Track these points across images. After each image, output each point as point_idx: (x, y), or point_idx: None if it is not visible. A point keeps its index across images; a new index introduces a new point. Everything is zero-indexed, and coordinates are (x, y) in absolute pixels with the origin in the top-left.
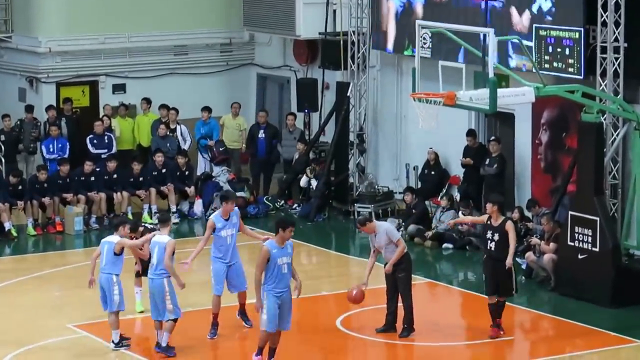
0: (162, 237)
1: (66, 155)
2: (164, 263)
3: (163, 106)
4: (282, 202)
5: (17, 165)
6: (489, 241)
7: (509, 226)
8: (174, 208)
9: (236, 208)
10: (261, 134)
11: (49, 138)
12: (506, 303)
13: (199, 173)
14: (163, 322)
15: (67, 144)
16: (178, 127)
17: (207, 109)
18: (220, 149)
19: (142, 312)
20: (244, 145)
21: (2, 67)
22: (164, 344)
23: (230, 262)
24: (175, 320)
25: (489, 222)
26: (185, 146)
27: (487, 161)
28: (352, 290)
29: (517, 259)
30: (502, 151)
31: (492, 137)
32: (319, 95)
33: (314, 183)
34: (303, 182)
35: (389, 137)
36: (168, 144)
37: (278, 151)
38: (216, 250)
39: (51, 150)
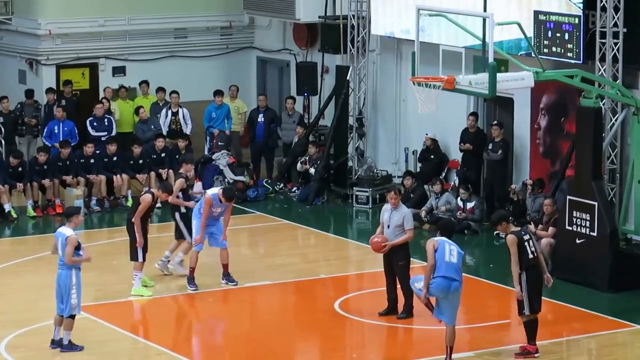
0: (64, 230)
1: (75, 139)
2: (66, 260)
3: (160, 89)
4: (282, 185)
5: (17, 147)
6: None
7: (508, 241)
8: None
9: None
10: (260, 118)
11: (54, 120)
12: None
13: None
14: (63, 319)
15: (75, 127)
16: (180, 110)
17: (219, 92)
18: (220, 143)
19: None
20: (242, 128)
21: (2, 49)
22: (65, 342)
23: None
24: (73, 317)
25: None
26: (187, 130)
27: (491, 146)
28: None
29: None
30: (504, 135)
31: (495, 122)
32: (318, 79)
33: (312, 171)
34: (299, 167)
35: (388, 121)
36: (152, 126)
37: (277, 135)
38: (199, 212)
39: (56, 132)
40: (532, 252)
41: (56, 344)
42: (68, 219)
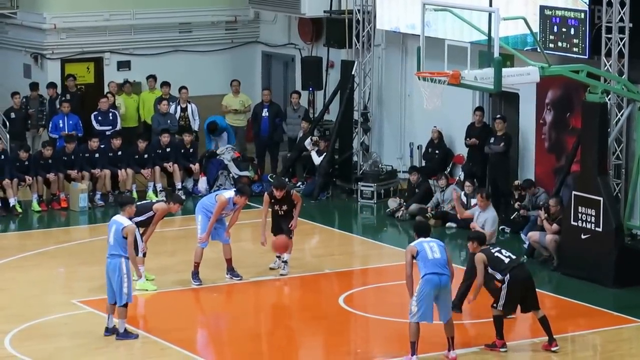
0: (121, 219)
1: (81, 133)
2: (128, 253)
3: (165, 83)
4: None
5: (26, 142)
6: None
7: (475, 260)
8: (179, 185)
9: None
10: (265, 113)
11: (59, 114)
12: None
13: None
14: (116, 308)
15: (79, 120)
16: (189, 105)
17: (214, 122)
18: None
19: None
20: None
21: (7, 43)
22: (121, 331)
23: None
24: (126, 306)
25: None
26: (195, 126)
27: (492, 140)
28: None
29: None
30: (507, 130)
31: (498, 116)
32: (323, 74)
33: (315, 156)
34: (307, 142)
35: (393, 116)
36: (169, 121)
37: (282, 130)
38: (203, 207)
39: (61, 126)
40: (509, 257)
41: (109, 331)
42: (122, 208)
